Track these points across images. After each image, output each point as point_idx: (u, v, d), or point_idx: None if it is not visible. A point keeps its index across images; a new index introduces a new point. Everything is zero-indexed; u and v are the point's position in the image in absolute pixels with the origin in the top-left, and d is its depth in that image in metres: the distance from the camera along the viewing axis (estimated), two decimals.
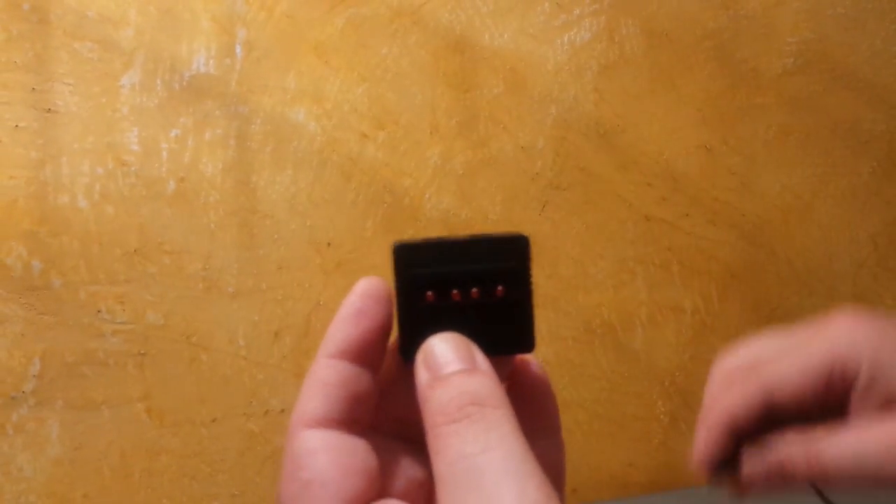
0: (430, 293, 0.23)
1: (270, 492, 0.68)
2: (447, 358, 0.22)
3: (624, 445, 0.79)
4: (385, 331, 0.24)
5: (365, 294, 0.24)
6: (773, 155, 0.86)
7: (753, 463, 0.32)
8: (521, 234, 0.23)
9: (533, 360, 0.25)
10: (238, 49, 0.70)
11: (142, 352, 0.65)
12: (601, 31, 0.82)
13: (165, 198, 0.67)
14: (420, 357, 0.22)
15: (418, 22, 0.75)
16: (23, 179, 0.63)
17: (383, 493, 0.22)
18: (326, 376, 0.23)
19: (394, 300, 0.23)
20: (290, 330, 0.69)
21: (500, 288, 0.22)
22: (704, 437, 0.35)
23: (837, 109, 0.90)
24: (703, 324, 0.82)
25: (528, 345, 0.23)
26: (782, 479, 0.31)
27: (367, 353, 0.23)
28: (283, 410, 0.69)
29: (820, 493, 0.35)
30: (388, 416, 0.24)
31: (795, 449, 0.31)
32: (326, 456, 0.21)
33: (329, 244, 0.71)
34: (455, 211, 0.75)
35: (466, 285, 0.23)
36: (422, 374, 0.22)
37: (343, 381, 0.23)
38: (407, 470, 0.23)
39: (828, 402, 0.32)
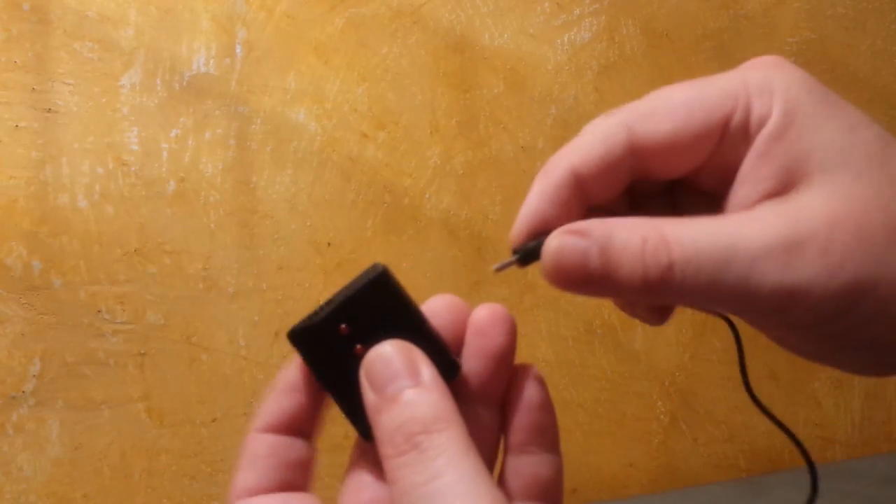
0: (339, 363, 0.23)
1: None
2: (390, 371, 0.21)
3: (624, 445, 0.79)
4: (319, 403, 0.24)
5: (301, 367, 0.24)
6: None
7: (553, 247, 0.22)
8: (377, 267, 0.23)
9: (534, 370, 0.25)
10: (238, 49, 0.70)
11: (142, 352, 0.65)
12: (601, 31, 0.82)
13: (165, 198, 0.67)
14: (363, 371, 0.22)
15: (418, 22, 0.75)
16: (23, 179, 0.63)
17: None
18: (254, 449, 0.23)
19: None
20: None
21: (387, 329, 0.23)
22: (519, 218, 0.25)
23: None
24: (704, 324, 0.82)
25: (451, 370, 0.23)
26: (589, 274, 0.21)
27: (297, 426, 0.23)
28: None
29: (730, 325, 0.26)
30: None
31: (620, 233, 0.21)
32: (265, 460, 0.21)
33: (329, 244, 0.71)
34: (455, 211, 0.75)
35: (365, 339, 0.23)
36: (367, 394, 0.22)
37: (272, 453, 0.23)
38: None
39: (716, 172, 0.23)
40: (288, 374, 0.24)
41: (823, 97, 0.22)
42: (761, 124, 0.22)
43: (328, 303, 0.23)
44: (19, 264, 0.63)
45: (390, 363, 0.22)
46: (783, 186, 0.21)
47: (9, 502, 0.61)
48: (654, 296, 0.21)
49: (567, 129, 0.78)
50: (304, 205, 0.70)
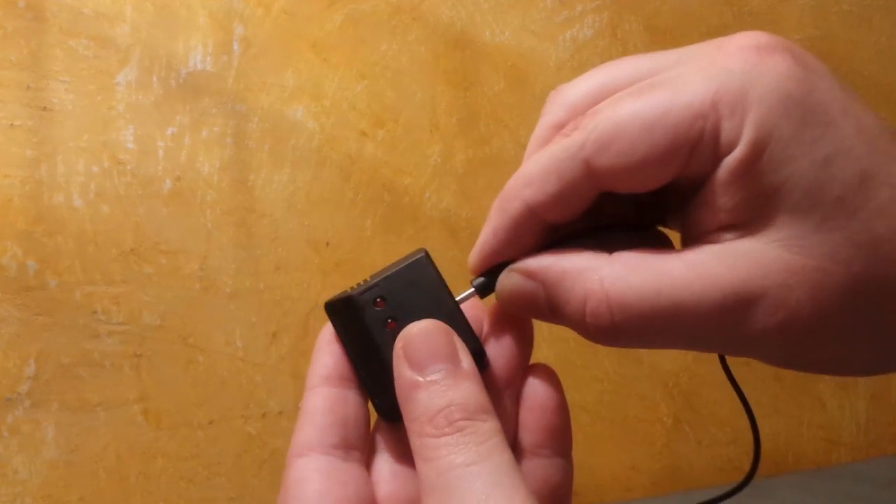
0: (371, 337, 0.23)
1: (268, 495, 0.68)
2: (430, 352, 0.21)
3: (627, 448, 0.78)
4: None
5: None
6: None
7: (505, 287, 0.23)
8: (419, 251, 0.24)
9: (550, 371, 0.25)
10: (235, 46, 0.69)
11: (138, 353, 0.64)
12: (604, 28, 0.81)
13: (162, 197, 0.66)
14: (400, 346, 0.22)
15: (418, 18, 0.75)
16: (18, 178, 0.62)
17: None
18: (312, 404, 0.23)
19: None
20: (288, 331, 0.69)
21: (422, 311, 0.23)
22: (475, 251, 0.25)
23: None
24: None
25: (481, 361, 0.23)
26: (533, 312, 0.22)
27: (347, 375, 0.23)
28: (280, 412, 0.68)
29: (727, 370, 0.27)
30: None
31: (566, 273, 0.21)
32: (317, 485, 0.21)
33: (328, 244, 0.70)
34: (455, 210, 0.74)
35: (399, 317, 0.23)
36: (404, 369, 0.21)
37: (329, 407, 0.23)
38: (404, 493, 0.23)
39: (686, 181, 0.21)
40: (327, 329, 0.24)
41: (804, 116, 0.20)
42: (730, 149, 0.20)
43: (367, 280, 0.24)
44: (14, 264, 0.62)
45: (432, 342, 0.22)
46: (743, 222, 0.20)
47: None
48: (585, 336, 0.22)
49: None
50: (302, 204, 0.70)
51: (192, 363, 0.66)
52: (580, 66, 0.80)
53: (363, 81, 0.73)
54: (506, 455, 0.20)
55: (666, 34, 0.83)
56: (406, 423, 0.21)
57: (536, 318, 0.23)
